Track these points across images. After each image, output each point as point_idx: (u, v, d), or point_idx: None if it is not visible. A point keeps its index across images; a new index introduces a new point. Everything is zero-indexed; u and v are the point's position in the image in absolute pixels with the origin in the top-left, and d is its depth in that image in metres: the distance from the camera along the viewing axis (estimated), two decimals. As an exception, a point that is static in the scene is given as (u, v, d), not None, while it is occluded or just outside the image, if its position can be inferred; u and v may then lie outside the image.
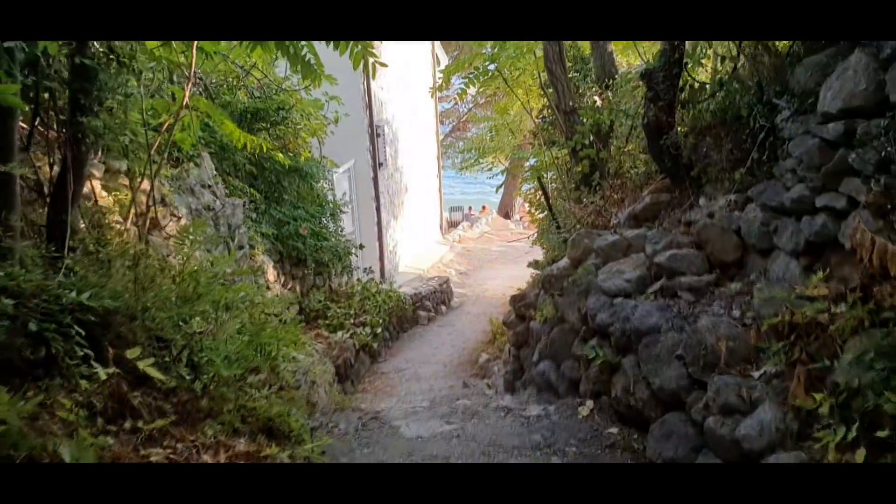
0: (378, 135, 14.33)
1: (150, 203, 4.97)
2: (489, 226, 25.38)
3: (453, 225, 26.23)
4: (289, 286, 9.52)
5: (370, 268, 11.53)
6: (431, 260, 17.47)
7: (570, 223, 7.38)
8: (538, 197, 11.09)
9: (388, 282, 12.74)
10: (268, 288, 8.70)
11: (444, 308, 13.26)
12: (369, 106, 13.78)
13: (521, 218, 28.34)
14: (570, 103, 7.54)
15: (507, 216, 28.36)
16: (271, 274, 8.87)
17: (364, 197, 13.93)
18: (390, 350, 10.78)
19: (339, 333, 9.27)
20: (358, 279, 11.63)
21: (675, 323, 3.92)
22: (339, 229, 10.99)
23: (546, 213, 10.54)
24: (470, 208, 29.51)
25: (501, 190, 29.53)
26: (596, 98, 7.07)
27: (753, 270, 4.25)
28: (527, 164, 15.76)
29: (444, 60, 20.38)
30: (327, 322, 9.51)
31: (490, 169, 13.38)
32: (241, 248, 7.72)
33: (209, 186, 7.33)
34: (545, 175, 10.78)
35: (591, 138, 6.51)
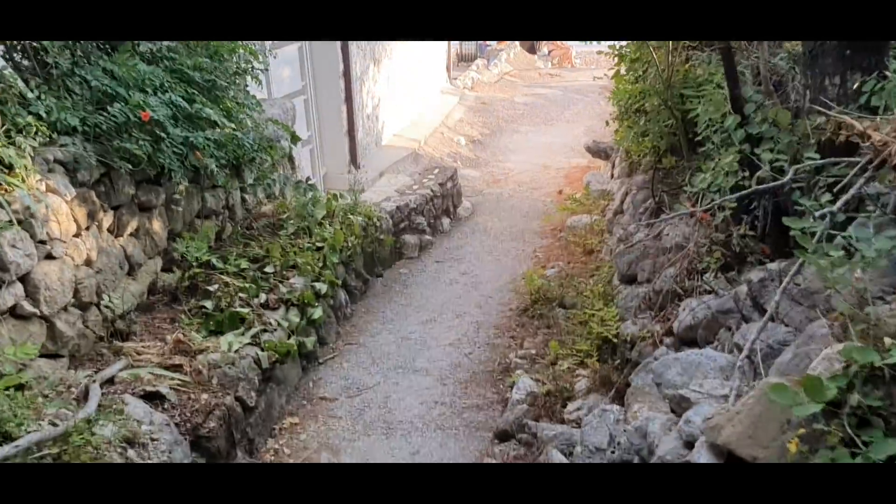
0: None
1: None
2: (510, 63, 19.67)
3: (464, 59, 20.56)
4: (127, 230, 4.62)
5: (308, 178, 6.44)
6: (432, 122, 12.22)
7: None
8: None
9: (355, 181, 7.71)
10: (54, 256, 3.87)
11: (446, 222, 8.33)
12: None
13: (549, 53, 22.50)
14: None
15: (532, 50, 22.42)
16: (67, 218, 3.98)
17: (322, 30, 8.52)
18: (348, 324, 6.05)
19: (228, 339, 4.49)
20: (300, 183, 6.62)
21: None
22: (252, 100, 5.83)
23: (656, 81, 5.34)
24: (485, 38, 23.47)
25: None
26: None
27: None
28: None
29: None
30: (205, 311, 4.69)
31: None
32: None
33: None
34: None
35: None
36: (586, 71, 20.04)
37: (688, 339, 4.04)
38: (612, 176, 8.41)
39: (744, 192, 2.74)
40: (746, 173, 3.21)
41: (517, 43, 21.97)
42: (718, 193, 3.63)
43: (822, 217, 2.22)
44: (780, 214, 3.42)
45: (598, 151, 9.19)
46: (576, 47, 22.67)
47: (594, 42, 6.11)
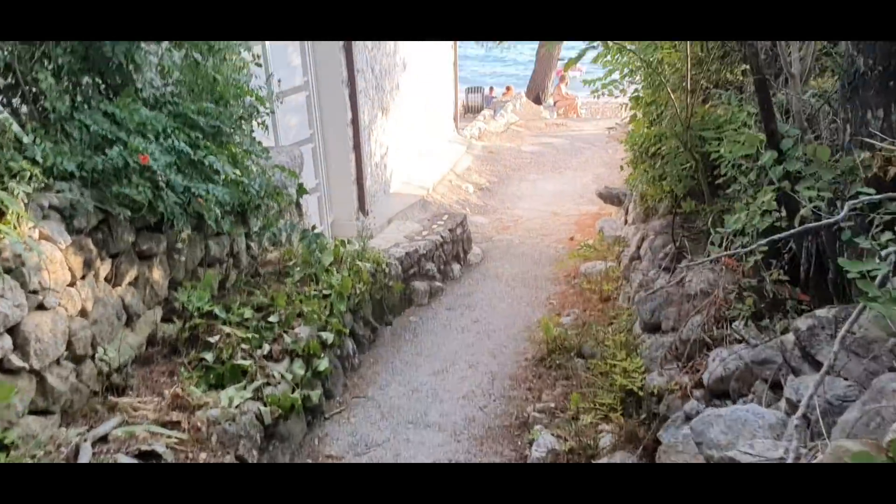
0: (354, -27, 8.63)
1: None
2: (516, 114, 19.72)
3: (470, 111, 20.68)
4: (126, 279, 4.42)
5: (314, 226, 6.26)
6: (440, 170, 12.14)
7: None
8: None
9: (364, 228, 7.55)
10: (46, 307, 3.67)
11: (456, 268, 8.13)
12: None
13: (555, 103, 22.60)
14: None
15: (537, 100, 22.52)
16: (61, 267, 3.79)
17: (329, 77, 8.49)
18: (356, 375, 5.79)
19: (229, 393, 4.25)
20: (307, 232, 6.43)
21: None
22: (258, 146, 5.69)
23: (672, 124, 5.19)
24: (491, 89, 23.68)
25: (533, 66, 23.55)
26: None
27: None
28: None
29: None
30: (205, 363, 4.45)
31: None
32: None
33: None
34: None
35: None
36: (592, 121, 20.11)
37: (719, 392, 3.78)
38: (625, 222, 8.22)
39: (791, 231, 2.52)
40: (782, 213, 3.00)
41: (523, 94, 22.15)
42: (750, 236, 3.42)
43: (886, 257, 2.01)
44: (821, 257, 3.21)
45: (611, 197, 9.03)
46: (582, 97, 22.81)
47: (604, 95, 5.91)
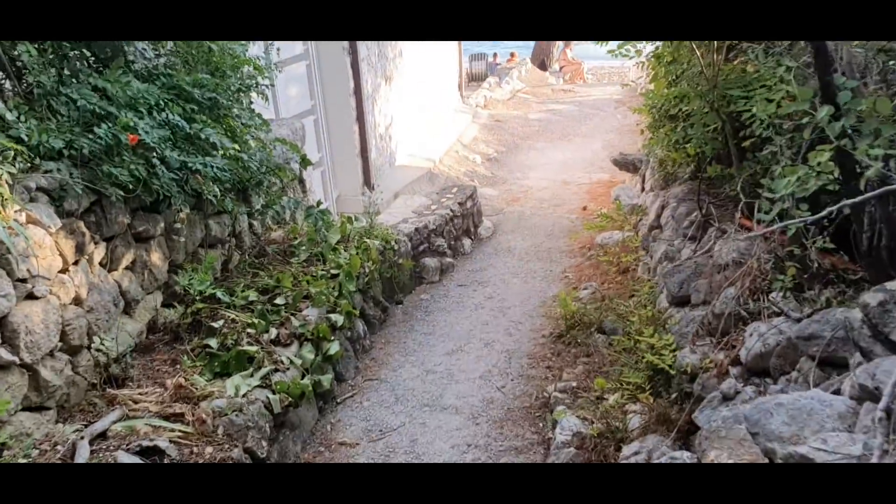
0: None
1: None
2: (522, 80, 19.26)
3: (475, 80, 20.20)
4: (122, 263, 4.17)
5: (319, 202, 5.95)
6: (447, 141, 11.78)
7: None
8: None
9: (370, 203, 7.26)
10: (36, 295, 3.44)
11: (467, 243, 7.85)
12: None
13: (561, 69, 22.10)
14: None
15: (542, 66, 22.01)
16: (51, 252, 3.55)
17: (330, 45, 8.13)
18: (367, 357, 5.56)
19: (235, 381, 4.01)
20: (312, 209, 6.13)
21: None
22: (257, 119, 5.39)
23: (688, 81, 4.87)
24: (495, 56, 23.14)
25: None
26: None
27: None
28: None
29: None
30: (209, 350, 4.21)
31: None
32: None
33: None
34: None
35: None
36: (599, 86, 19.68)
37: (758, 370, 3.53)
38: (643, 189, 7.91)
39: (868, 195, 2.21)
40: (834, 175, 2.71)
41: (528, 60, 21.64)
42: (792, 202, 3.14)
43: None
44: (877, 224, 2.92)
45: (626, 164, 8.70)
46: (587, 63, 22.30)
47: (611, 47, 5.55)
